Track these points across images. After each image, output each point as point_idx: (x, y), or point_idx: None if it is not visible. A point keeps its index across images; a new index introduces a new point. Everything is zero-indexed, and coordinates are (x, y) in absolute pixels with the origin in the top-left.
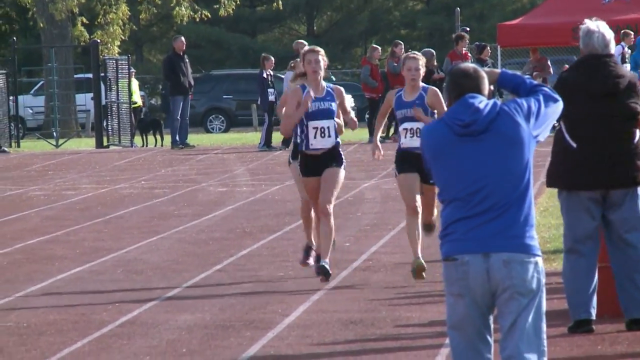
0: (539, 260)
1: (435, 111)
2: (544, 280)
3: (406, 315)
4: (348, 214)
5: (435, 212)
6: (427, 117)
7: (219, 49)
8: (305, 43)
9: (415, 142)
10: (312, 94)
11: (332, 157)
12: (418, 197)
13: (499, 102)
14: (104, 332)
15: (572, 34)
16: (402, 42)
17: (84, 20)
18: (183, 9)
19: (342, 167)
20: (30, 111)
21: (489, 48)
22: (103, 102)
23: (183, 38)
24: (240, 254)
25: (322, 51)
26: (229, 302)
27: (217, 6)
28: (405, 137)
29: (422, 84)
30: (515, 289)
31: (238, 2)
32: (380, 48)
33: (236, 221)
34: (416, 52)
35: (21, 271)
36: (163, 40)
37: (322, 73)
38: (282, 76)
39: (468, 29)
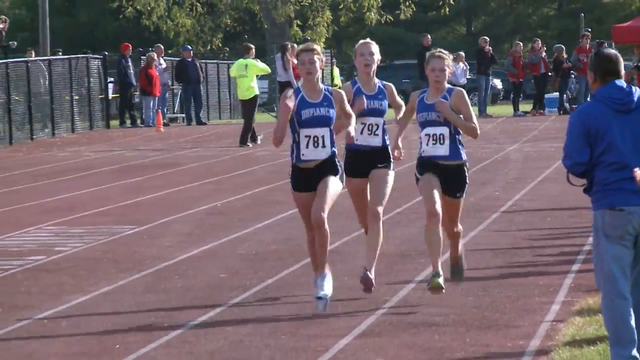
0: None
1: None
2: None
3: (542, 247)
4: (498, 170)
5: (460, 246)
6: (452, 112)
7: (398, 44)
8: (487, 39)
9: (438, 150)
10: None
11: (327, 168)
12: (439, 204)
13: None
14: None
15: None
16: (539, 39)
17: (299, 22)
18: (372, 14)
19: (338, 176)
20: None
21: (606, 44)
22: None
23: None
24: (415, 200)
25: (317, 48)
26: (408, 236)
27: (398, 12)
28: (427, 144)
29: (447, 85)
30: None
31: (414, 8)
32: (521, 44)
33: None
34: (442, 51)
35: (250, 212)
36: (357, 38)
37: (318, 74)
38: None
39: (590, 29)
